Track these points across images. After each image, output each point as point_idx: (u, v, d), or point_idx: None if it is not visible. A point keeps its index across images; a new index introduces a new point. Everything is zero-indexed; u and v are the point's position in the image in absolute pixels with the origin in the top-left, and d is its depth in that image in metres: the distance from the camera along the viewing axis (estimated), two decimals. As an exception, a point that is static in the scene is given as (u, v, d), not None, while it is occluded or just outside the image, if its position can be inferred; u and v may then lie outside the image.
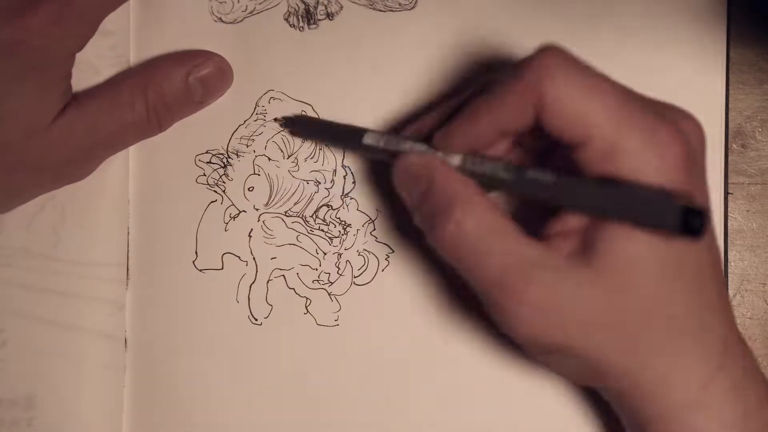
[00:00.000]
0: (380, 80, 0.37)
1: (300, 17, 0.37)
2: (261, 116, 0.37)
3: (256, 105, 0.37)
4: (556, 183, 0.27)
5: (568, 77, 0.26)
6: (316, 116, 0.37)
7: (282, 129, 0.37)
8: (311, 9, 0.37)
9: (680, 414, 0.27)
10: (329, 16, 0.37)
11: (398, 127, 0.36)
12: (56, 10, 0.31)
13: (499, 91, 0.28)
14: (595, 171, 0.26)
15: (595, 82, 0.26)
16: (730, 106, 0.35)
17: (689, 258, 0.27)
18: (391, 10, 0.37)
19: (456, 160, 0.29)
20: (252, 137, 0.37)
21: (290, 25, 0.37)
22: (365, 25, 0.37)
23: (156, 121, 0.35)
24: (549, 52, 0.27)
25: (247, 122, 0.37)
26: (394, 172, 0.31)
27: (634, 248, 0.26)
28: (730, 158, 0.35)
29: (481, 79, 0.31)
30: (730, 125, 0.36)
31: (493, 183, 0.29)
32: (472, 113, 0.29)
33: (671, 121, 0.27)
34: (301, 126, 0.36)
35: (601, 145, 0.26)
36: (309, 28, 0.37)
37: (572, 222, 0.27)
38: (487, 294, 0.27)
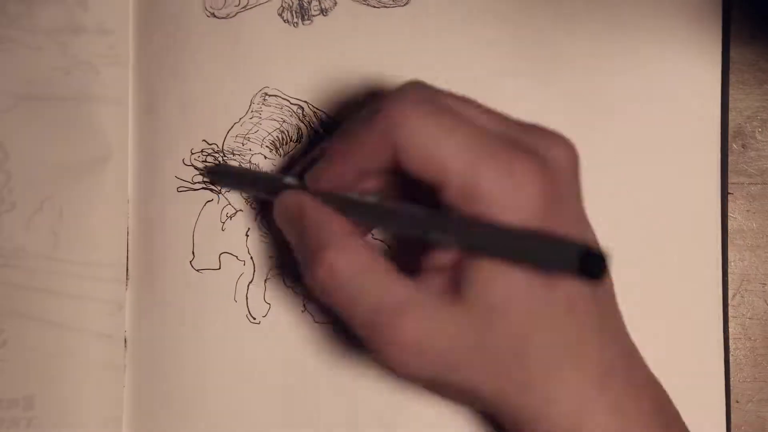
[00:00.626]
0: (374, 76, 0.36)
1: (294, 13, 0.37)
2: (256, 114, 0.37)
3: (251, 103, 0.37)
4: (424, 218, 0.27)
5: (420, 121, 0.26)
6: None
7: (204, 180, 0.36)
8: (305, 4, 0.37)
9: None
10: (323, 11, 0.37)
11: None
12: None
13: (356, 133, 0.28)
14: (459, 211, 0.26)
15: (449, 123, 0.26)
16: (730, 106, 0.35)
17: (559, 288, 0.26)
18: (385, 6, 0.36)
19: (325, 197, 0.29)
20: (247, 135, 0.37)
21: (284, 21, 0.37)
22: (359, 21, 0.36)
23: None
24: (402, 92, 0.27)
25: (242, 120, 0.37)
26: (273, 211, 0.31)
27: (503, 282, 0.25)
28: (730, 158, 0.35)
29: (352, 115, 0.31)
30: (730, 125, 0.35)
31: (360, 216, 0.29)
32: (334, 155, 0.29)
33: (528, 152, 0.26)
34: (221, 176, 0.36)
35: (458, 186, 0.25)
36: (303, 24, 0.37)
37: (443, 256, 0.27)
38: (361, 334, 0.27)
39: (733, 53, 0.35)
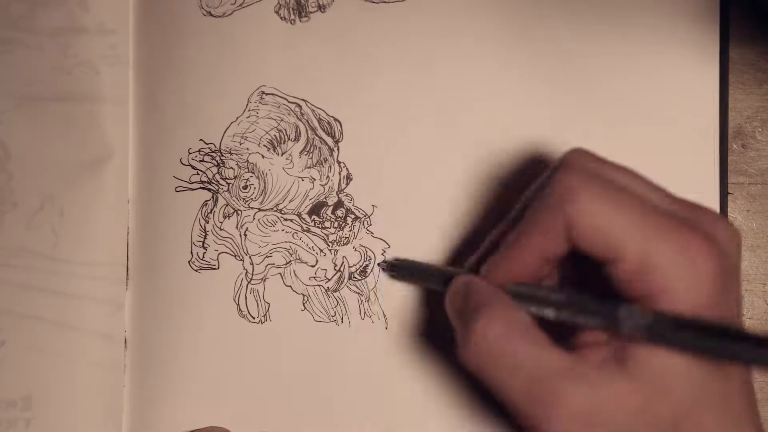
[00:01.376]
0: (373, 73, 0.36)
1: (291, 10, 0.36)
2: (253, 113, 0.36)
3: (248, 102, 0.36)
4: (603, 310, 0.26)
5: (590, 196, 0.26)
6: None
7: (384, 271, 0.36)
8: (302, 1, 0.36)
9: None
10: (321, 8, 0.36)
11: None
12: None
13: (530, 219, 0.28)
14: (629, 288, 0.26)
15: (619, 197, 0.26)
16: (730, 106, 0.35)
17: (716, 373, 0.26)
18: (384, 2, 0.36)
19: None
20: (245, 135, 0.37)
21: (281, 18, 0.36)
22: (357, 18, 0.36)
23: None
24: (570, 167, 0.27)
25: (239, 119, 0.37)
26: (445, 300, 0.30)
27: (675, 362, 0.26)
28: (730, 158, 0.35)
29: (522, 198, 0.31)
30: (730, 125, 0.35)
31: (541, 312, 0.28)
32: (510, 243, 0.28)
33: (702, 231, 0.26)
34: (401, 270, 0.35)
35: (631, 262, 0.26)
36: (300, 21, 0.36)
37: (601, 333, 0.27)
38: (517, 407, 0.27)
39: (733, 53, 0.35)
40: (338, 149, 0.36)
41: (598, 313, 0.27)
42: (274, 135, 0.37)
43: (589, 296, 0.27)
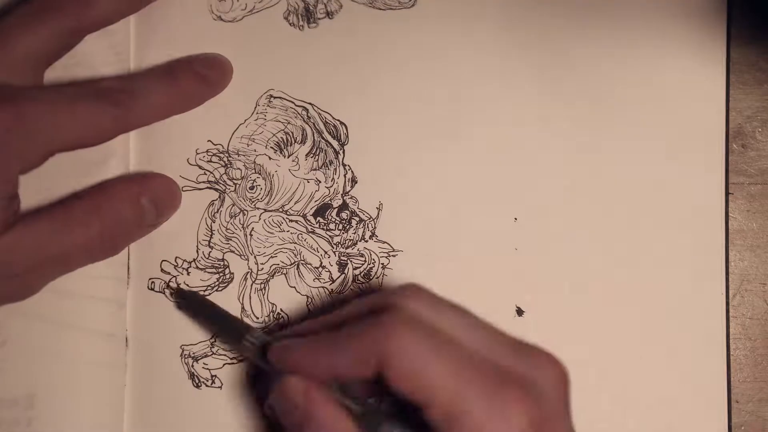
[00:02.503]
0: (380, 79, 0.37)
1: (300, 16, 0.37)
2: (261, 116, 0.37)
3: (256, 104, 0.37)
4: None
5: (411, 339, 0.27)
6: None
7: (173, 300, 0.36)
8: (311, 8, 0.37)
9: None
10: (329, 14, 0.37)
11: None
12: (3, 126, 0.30)
13: (343, 335, 0.29)
14: (441, 430, 0.27)
15: (439, 344, 0.27)
16: (730, 106, 0.35)
17: None
18: (391, 9, 0.37)
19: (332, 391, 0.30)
20: (252, 136, 0.37)
21: (290, 24, 0.37)
22: (365, 24, 0.37)
23: (110, 242, 0.34)
24: (398, 306, 0.28)
25: (247, 122, 0.37)
26: (273, 391, 0.31)
27: None
28: (730, 158, 0.35)
29: (355, 302, 0.32)
30: (730, 125, 0.36)
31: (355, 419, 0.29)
32: (315, 345, 0.29)
33: (516, 379, 0.27)
34: (191, 302, 0.36)
35: (443, 409, 0.26)
36: (309, 27, 0.37)
37: None
38: None
39: (733, 53, 0.36)
40: (344, 152, 0.37)
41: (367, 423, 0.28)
42: (281, 137, 0.37)
43: (385, 413, 0.29)
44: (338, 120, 0.37)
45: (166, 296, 0.36)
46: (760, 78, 0.36)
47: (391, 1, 0.37)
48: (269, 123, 0.37)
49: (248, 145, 0.37)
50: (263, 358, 0.32)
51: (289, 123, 0.37)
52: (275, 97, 0.37)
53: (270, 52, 0.37)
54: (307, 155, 0.37)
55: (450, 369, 0.26)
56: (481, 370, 0.27)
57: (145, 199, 0.34)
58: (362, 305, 0.30)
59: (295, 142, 0.37)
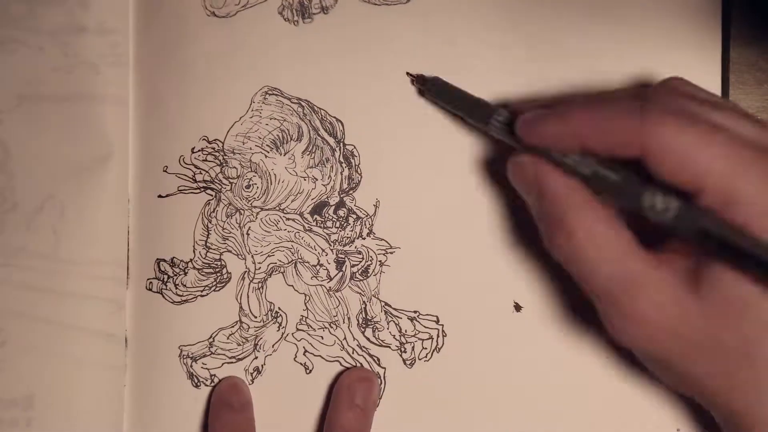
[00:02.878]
0: (375, 74, 0.36)
1: (294, 11, 0.37)
2: (256, 113, 0.37)
3: (251, 101, 0.37)
4: (680, 215, 0.27)
5: (678, 128, 0.26)
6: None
7: (414, 86, 0.36)
8: (305, 2, 0.37)
9: None
10: (324, 9, 0.37)
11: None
12: None
13: (606, 110, 0.28)
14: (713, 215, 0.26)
15: (707, 132, 0.26)
16: (731, 106, 0.35)
17: None
18: (386, 4, 0.36)
19: (569, 160, 0.29)
20: (248, 134, 0.37)
21: (284, 19, 0.37)
22: (360, 19, 0.36)
23: None
24: (665, 92, 0.27)
25: (242, 119, 0.37)
26: (508, 171, 0.31)
27: (746, 290, 0.26)
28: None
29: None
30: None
31: (603, 190, 0.28)
32: (570, 115, 0.28)
33: None
34: (432, 88, 0.35)
35: (716, 193, 0.26)
36: (303, 22, 0.37)
37: (689, 245, 0.27)
38: (596, 302, 0.28)
39: (733, 53, 0.35)
40: (340, 149, 0.36)
41: (625, 194, 0.27)
42: (277, 135, 0.37)
43: (629, 177, 0.27)
44: (334, 117, 0.37)
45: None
46: (760, 78, 0.35)
47: (387, -4, 0.36)
48: (265, 120, 0.37)
49: (244, 144, 0.37)
50: (511, 135, 0.31)
51: (285, 120, 0.37)
52: (270, 94, 0.37)
53: (264, 47, 0.37)
54: (303, 153, 0.37)
55: (720, 154, 0.26)
56: (751, 152, 0.26)
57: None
58: (622, 92, 0.29)
59: (291, 139, 0.37)
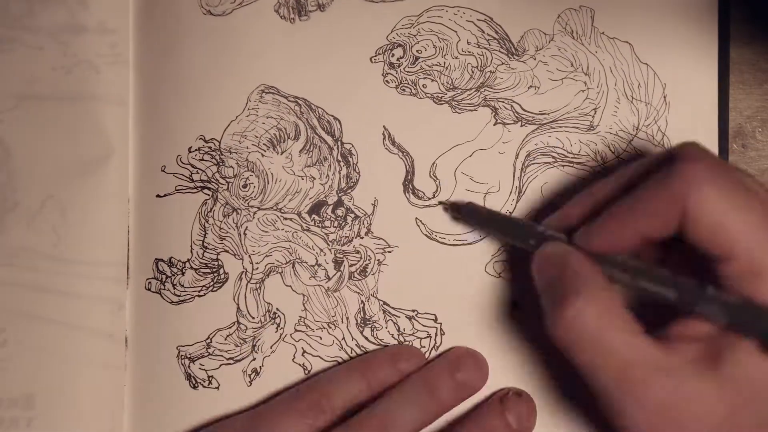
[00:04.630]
0: (372, 72, 0.36)
1: (290, 8, 0.36)
2: (253, 111, 0.36)
3: (248, 100, 0.36)
4: (695, 290, 0.26)
5: (715, 190, 0.25)
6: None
7: (447, 212, 0.36)
8: (302, 0, 0.36)
9: None
10: (320, 7, 0.36)
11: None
12: None
13: (643, 196, 0.27)
14: (736, 287, 0.26)
15: (742, 196, 0.26)
16: (730, 106, 0.34)
17: None
18: (383, 1, 0.36)
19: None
20: (244, 133, 0.36)
21: (281, 17, 0.36)
22: (357, 16, 0.36)
23: None
24: (695, 158, 0.26)
25: (239, 118, 0.36)
26: (533, 259, 0.30)
27: (763, 364, 0.25)
28: (730, 158, 0.35)
29: (619, 170, 0.30)
30: (730, 125, 0.35)
31: (624, 278, 0.28)
32: (615, 217, 0.28)
33: None
34: (466, 214, 0.35)
35: (744, 263, 0.25)
36: (300, 20, 0.36)
37: (699, 328, 0.27)
38: (603, 391, 0.27)
39: (733, 53, 0.34)
40: (338, 148, 0.36)
41: (682, 289, 0.27)
42: (274, 134, 0.36)
43: (668, 270, 0.27)
44: (332, 115, 0.36)
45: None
46: (760, 78, 0.34)
47: (384, -8, 0.36)
48: (261, 119, 0.36)
49: (240, 143, 0.36)
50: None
51: (281, 119, 0.36)
52: (267, 93, 0.36)
53: (261, 45, 0.36)
54: (300, 152, 0.36)
55: (755, 223, 0.25)
56: None
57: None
58: (644, 164, 0.29)
59: (288, 138, 0.36)
